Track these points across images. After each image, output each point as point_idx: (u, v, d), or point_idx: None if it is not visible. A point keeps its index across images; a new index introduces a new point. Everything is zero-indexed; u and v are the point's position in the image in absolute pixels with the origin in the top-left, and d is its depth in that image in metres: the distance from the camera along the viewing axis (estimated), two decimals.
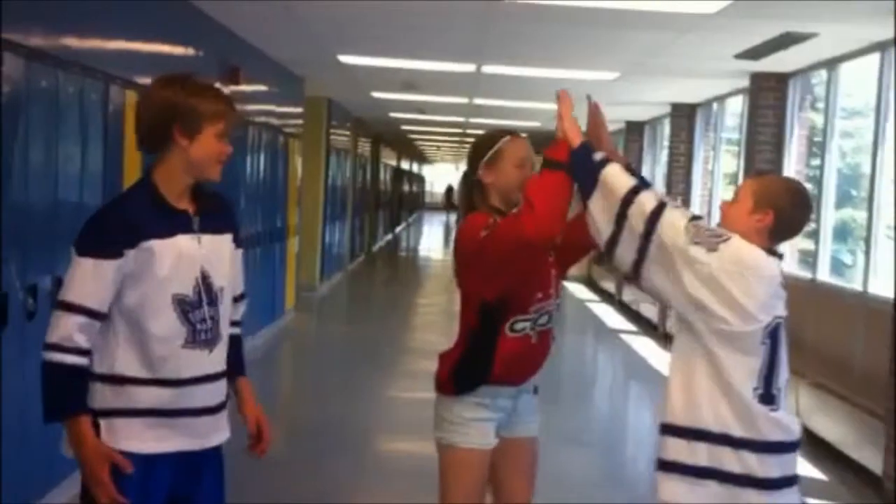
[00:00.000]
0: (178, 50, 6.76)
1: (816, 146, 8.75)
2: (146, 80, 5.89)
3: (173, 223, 2.64)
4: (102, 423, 2.61)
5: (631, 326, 13.09)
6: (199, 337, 2.66)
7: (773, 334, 2.78)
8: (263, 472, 5.56)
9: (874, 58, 7.24)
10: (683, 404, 2.79)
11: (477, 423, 3.16)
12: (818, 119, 8.77)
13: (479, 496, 3.23)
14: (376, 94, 13.06)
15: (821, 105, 8.66)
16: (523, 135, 3.34)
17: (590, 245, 3.07)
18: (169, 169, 2.66)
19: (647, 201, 2.80)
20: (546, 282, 3.19)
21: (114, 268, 2.57)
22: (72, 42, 4.93)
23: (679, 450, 2.78)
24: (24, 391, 4.44)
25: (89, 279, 2.57)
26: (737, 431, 2.73)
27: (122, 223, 2.60)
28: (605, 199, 2.85)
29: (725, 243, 2.74)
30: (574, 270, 18.27)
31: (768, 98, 8.98)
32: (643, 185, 2.87)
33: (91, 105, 5.11)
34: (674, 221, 2.76)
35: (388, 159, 28.25)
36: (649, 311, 12.82)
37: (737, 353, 2.73)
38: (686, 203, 12.06)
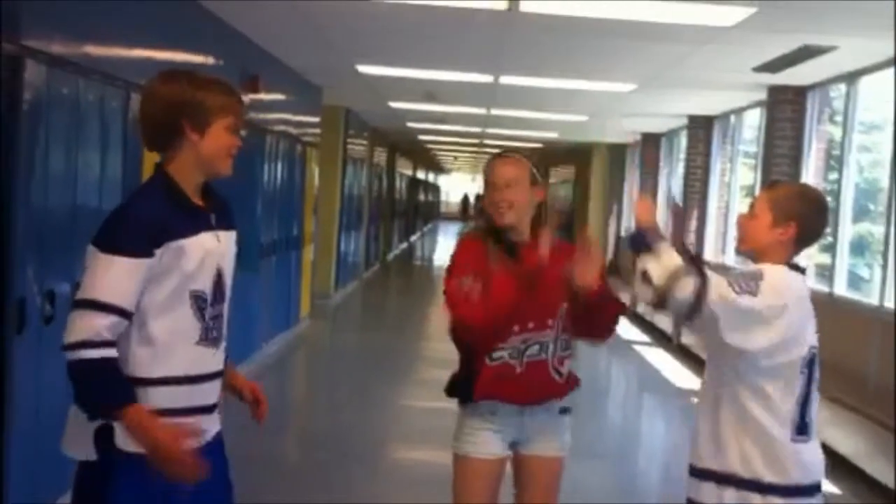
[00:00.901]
0: (199, 58, 6.80)
1: (834, 160, 8.72)
2: None
3: (197, 221, 2.63)
4: (117, 426, 2.56)
5: (645, 338, 13.05)
6: (210, 335, 2.65)
7: (809, 364, 2.80)
8: (277, 480, 5.58)
9: (893, 72, 7.22)
10: (712, 449, 2.83)
11: (484, 433, 3.23)
12: (836, 132, 8.75)
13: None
14: (393, 104, 13.10)
15: (839, 118, 8.64)
16: (514, 156, 3.36)
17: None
18: (181, 166, 2.63)
19: (692, 277, 2.73)
20: (526, 316, 3.17)
21: (145, 267, 2.51)
22: (93, 50, 4.98)
23: (708, 493, 2.83)
24: (39, 394, 4.48)
25: (122, 278, 2.50)
26: (766, 477, 2.76)
27: (152, 221, 2.54)
28: (659, 265, 2.77)
29: (762, 281, 2.72)
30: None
31: (786, 111, 8.96)
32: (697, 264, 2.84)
33: (111, 112, 5.14)
34: (719, 282, 2.72)
35: (405, 169, 28.29)
36: (663, 322, 12.79)
37: (780, 386, 2.76)
38: (702, 215, 12.05)
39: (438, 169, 41.63)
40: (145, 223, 2.54)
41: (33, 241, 4.35)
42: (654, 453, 7.56)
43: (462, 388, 3.26)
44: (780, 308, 2.70)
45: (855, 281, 8.35)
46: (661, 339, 12.64)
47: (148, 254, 2.52)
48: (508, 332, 3.18)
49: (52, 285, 4.50)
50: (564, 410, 3.35)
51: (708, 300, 2.66)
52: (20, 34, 4.16)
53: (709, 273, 2.72)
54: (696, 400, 2.95)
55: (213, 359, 2.69)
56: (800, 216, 2.85)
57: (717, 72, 8.50)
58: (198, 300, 2.61)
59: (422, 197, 36.25)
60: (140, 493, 2.57)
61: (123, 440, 2.55)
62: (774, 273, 2.76)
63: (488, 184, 3.28)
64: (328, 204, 13.39)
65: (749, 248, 2.94)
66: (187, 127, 2.60)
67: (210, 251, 2.63)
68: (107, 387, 2.54)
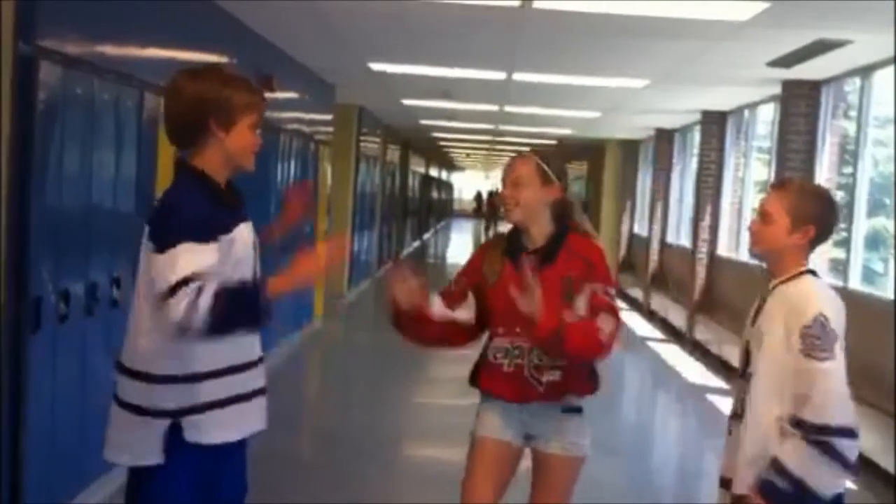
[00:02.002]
0: (213, 57, 6.81)
1: (849, 154, 8.68)
2: None
3: (235, 213, 2.69)
4: (184, 422, 2.61)
5: (659, 334, 13.04)
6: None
7: None
8: (292, 477, 5.59)
9: (894, 68, 7.18)
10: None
11: (494, 419, 3.31)
12: (850, 127, 8.70)
13: (479, 482, 3.30)
14: (406, 102, 13.10)
15: (853, 113, 8.59)
16: (526, 154, 3.40)
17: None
18: (208, 162, 2.67)
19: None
20: (513, 320, 3.17)
21: (214, 249, 2.55)
22: (107, 50, 4.99)
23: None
24: (54, 393, 4.51)
25: (195, 255, 2.50)
26: None
27: (202, 218, 2.56)
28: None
29: (833, 330, 2.75)
30: None
31: (800, 106, 8.92)
32: None
33: (126, 112, 5.16)
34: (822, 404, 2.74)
35: (417, 166, 28.29)
36: (677, 318, 12.77)
37: None
38: (715, 211, 12.01)
39: (451, 166, 41.60)
40: (197, 221, 2.56)
41: (48, 241, 4.38)
42: (668, 449, 7.55)
43: (473, 375, 3.37)
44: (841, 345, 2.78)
45: (869, 275, 8.31)
46: (674, 335, 12.62)
47: (213, 239, 2.56)
48: (496, 331, 3.29)
49: (66, 285, 4.53)
50: (569, 410, 3.32)
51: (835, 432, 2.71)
52: (35, 35, 4.17)
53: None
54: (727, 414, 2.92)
55: (257, 344, 2.77)
56: (817, 218, 2.87)
57: (731, 67, 8.47)
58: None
59: (435, 194, 36.25)
60: (197, 483, 2.65)
61: (191, 433, 2.61)
62: (832, 314, 2.78)
63: (502, 183, 3.35)
64: (341, 202, 13.39)
65: (765, 253, 2.95)
66: (214, 124, 2.63)
67: (247, 242, 2.72)
68: (238, 304, 2.54)
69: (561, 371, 3.23)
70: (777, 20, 6.23)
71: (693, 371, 10.34)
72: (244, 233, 2.71)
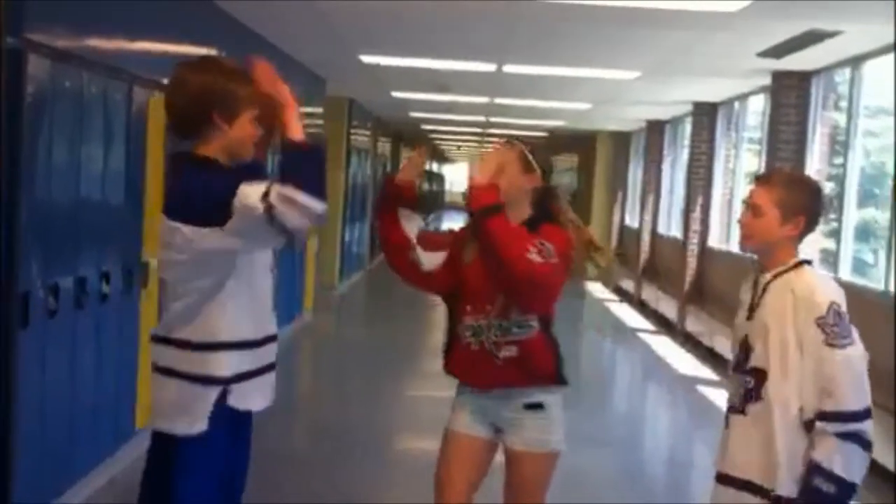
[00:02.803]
0: (201, 50, 6.78)
1: (839, 145, 8.69)
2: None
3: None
4: (234, 388, 2.73)
5: (650, 325, 13.06)
6: (274, 297, 2.86)
7: None
8: (285, 471, 5.59)
9: (894, 57, 7.18)
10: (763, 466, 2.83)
11: (464, 411, 3.36)
12: (840, 118, 8.71)
13: (453, 476, 3.34)
14: (397, 94, 13.08)
15: (843, 104, 8.60)
16: (509, 141, 3.43)
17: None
18: (211, 152, 2.74)
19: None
20: (480, 297, 3.25)
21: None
22: (96, 43, 4.97)
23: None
24: (43, 388, 4.49)
25: (253, 186, 2.57)
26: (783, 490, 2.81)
27: (233, 188, 2.59)
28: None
29: (847, 318, 2.78)
30: (593, 269, 18.09)
31: (791, 96, 8.92)
32: None
33: (115, 105, 5.14)
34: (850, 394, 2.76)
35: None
36: (668, 309, 12.79)
37: None
38: (706, 202, 12.02)
39: (442, 158, 41.58)
40: (232, 178, 2.62)
41: (37, 235, 4.36)
42: (659, 441, 7.56)
43: (445, 360, 3.40)
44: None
45: (860, 266, 8.33)
46: (665, 326, 12.64)
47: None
48: (462, 310, 3.31)
49: (55, 279, 4.51)
50: (531, 406, 3.29)
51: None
52: (23, 28, 4.15)
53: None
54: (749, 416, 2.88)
55: (271, 324, 2.87)
56: (807, 208, 2.88)
57: (722, 58, 8.47)
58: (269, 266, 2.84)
59: (426, 186, 36.22)
60: (227, 450, 2.79)
61: (236, 399, 2.74)
62: (841, 301, 2.80)
63: None
64: (332, 195, 13.36)
65: (757, 246, 2.94)
66: (217, 116, 2.69)
67: None
68: (297, 166, 2.64)
69: (517, 347, 3.23)
70: (767, 11, 6.23)
71: (684, 362, 10.36)
72: None
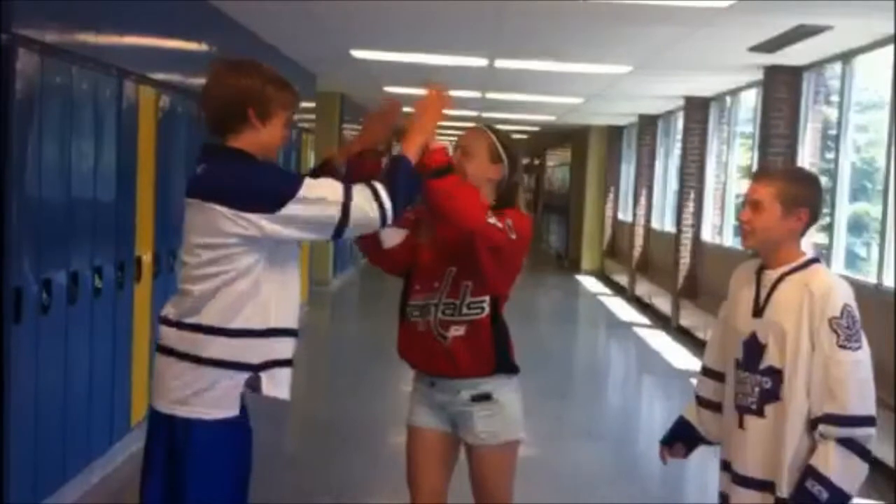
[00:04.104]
0: (191, 45, 6.78)
1: (831, 139, 8.71)
2: (159, 76, 5.91)
3: None
4: (264, 375, 2.77)
5: (644, 319, 13.07)
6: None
7: None
8: (278, 468, 5.58)
9: (889, 50, 7.20)
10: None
11: (418, 404, 3.35)
12: (831, 113, 8.73)
13: (422, 475, 3.34)
14: (389, 89, 13.06)
15: (835, 98, 8.62)
16: (480, 127, 3.42)
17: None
18: (242, 145, 2.81)
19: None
20: (428, 276, 3.24)
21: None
22: (86, 38, 4.95)
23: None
24: (37, 383, 4.48)
25: (319, 189, 2.74)
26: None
27: (285, 175, 2.84)
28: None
29: (859, 322, 2.77)
30: (587, 264, 18.11)
31: (782, 91, 8.94)
32: None
33: (105, 101, 5.13)
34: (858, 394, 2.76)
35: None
36: (662, 304, 12.81)
37: None
38: (699, 197, 12.03)
39: None
40: (285, 180, 2.79)
41: (29, 231, 4.35)
42: (654, 434, 7.55)
43: (397, 346, 3.39)
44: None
45: (853, 260, 8.35)
46: (660, 320, 12.66)
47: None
48: (412, 288, 3.28)
49: (48, 274, 4.50)
50: (479, 398, 3.23)
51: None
52: (12, 23, 4.13)
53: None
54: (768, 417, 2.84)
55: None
56: (808, 200, 2.83)
57: (714, 53, 8.48)
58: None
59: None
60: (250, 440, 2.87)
61: (269, 386, 2.79)
62: (853, 303, 2.78)
63: (453, 149, 3.34)
64: None
65: (760, 243, 2.88)
66: (252, 114, 2.79)
67: None
68: (397, 178, 2.85)
69: (465, 327, 3.17)
70: (758, 6, 6.24)
71: (678, 356, 10.38)
72: None
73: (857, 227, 8.55)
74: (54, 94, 4.57)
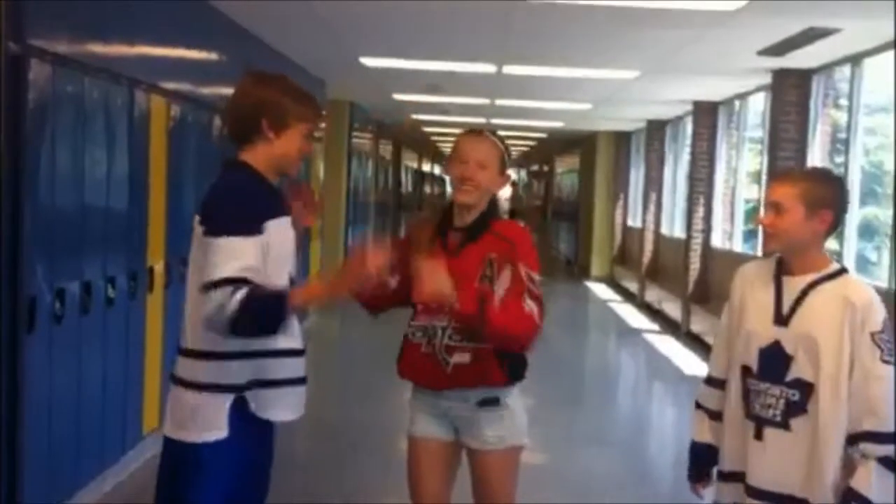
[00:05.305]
0: (202, 54, 6.80)
1: (839, 143, 8.70)
2: (170, 85, 5.94)
3: (279, 203, 2.85)
4: (248, 395, 2.76)
5: (654, 326, 13.05)
6: (300, 313, 2.91)
7: None
8: (288, 473, 5.59)
9: (894, 54, 7.19)
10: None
11: (420, 414, 3.32)
12: (840, 116, 8.72)
13: (424, 483, 3.32)
14: (398, 96, 13.09)
15: (844, 102, 8.61)
16: (491, 137, 3.29)
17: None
18: (256, 158, 2.82)
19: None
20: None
21: (258, 244, 2.69)
22: (97, 48, 4.98)
23: None
24: (51, 392, 4.50)
25: (240, 255, 2.65)
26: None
27: (256, 202, 2.74)
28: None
29: (889, 333, 2.69)
30: (596, 271, 18.10)
31: (791, 95, 8.93)
32: None
33: (116, 110, 5.15)
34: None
35: (410, 161, 28.26)
36: (672, 310, 12.79)
37: None
38: (708, 202, 12.01)
39: (444, 161, 41.58)
40: (245, 209, 2.71)
41: (43, 240, 4.37)
42: (665, 440, 7.56)
43: (397, 364, 3.35)
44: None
45: (863, 264, 8.34)
46: (670, 326, 12.64)
47: (258, 231, 2.70)
48: (416, 311, 3.25)
49: (62, 284, 4.52)
50: (485, 403, 3.19)
51: None
52: (25, 33, 4.16)
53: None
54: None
55: (301, 338, 2.93)
56: (832, 201, 2.72)
57: (723, 56, 8.48)
58: (292, 282, 2.85)
59: (428, 189, 36.26)
60: (248, 458, 2.84)
61: (257, 406, 2.78)
62: (882, 308, 2.70)
63: (459, 158, 3.22)
64: (335, 198, 13.39)
65: (784, 247, 2.77)
66: (266, 125, 2.79)
67: (290, 235, 2.87)
68: (264, 310, 2.68)
69: (471, 354, 3.14)
70: (767, 9, 6.24)
71: (688, 362, 10.36)
72: (288, 224, 2.85)
73: (867, 231, 8.53)
74: (66, 104, 4.59)
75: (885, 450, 2.64)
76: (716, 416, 2.96)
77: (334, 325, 12.27)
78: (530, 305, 3.05)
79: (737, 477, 2.85)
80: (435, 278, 2.96)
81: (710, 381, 3.02)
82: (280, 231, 2.79)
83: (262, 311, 2.66)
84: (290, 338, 2.84)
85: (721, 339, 3.01)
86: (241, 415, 2.77)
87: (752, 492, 2.79)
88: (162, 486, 2.85)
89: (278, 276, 2.77)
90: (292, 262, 2.89)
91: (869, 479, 2.63)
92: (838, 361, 2.66)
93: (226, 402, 2.75)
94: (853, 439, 2.67)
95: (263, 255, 2.70)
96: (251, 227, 2.68)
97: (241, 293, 2.60)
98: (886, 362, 2.64)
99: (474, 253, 3.16)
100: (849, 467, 2.69)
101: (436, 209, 3.46)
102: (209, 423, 2.75)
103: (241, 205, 2.72)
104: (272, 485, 3.12)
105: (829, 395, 2.67)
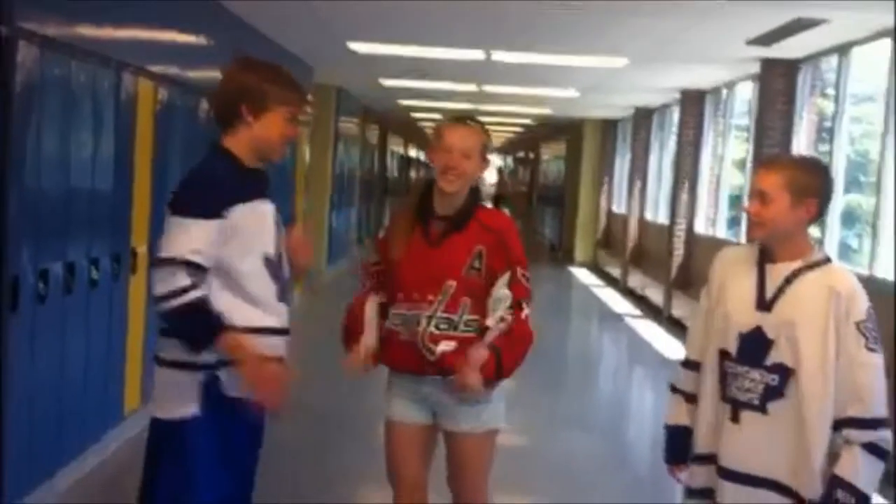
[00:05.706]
0: (190, 38, 6.79)
1: (825, 131, 8.75)
2: (158, 69, 5.93)
3: (258, 186, 2.89)
4: (220, 373, 2.79)
5: (636, 311, 13.12)
6: (285, 295, 2.94)
7: None
8: (271, 458, 5.61)
9: (885, 43, 7.23)
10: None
11: (398, 398, 3.35)
12: (826, 105, 8.77)
13: (402, 467, 3.35)
14: (385, 82, 13.07)
15: (830, 91, 8.65)
16: (474, 125, 3.30)
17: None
18: (236, 143, 2.86)
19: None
20: (412, 286, 3.21)
21: (216, 228, 2.73)
22: (85, 31, 4.97)
23: None
24: (33, 371, 4.51)
25: (192, 236, 2.71)
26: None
27: (220, 185, 2.78)
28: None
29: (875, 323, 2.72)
30: (580, 256, 18.15)
31: (778, 84, 8.96)
32: None
33: (103, 93, 5.15)
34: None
35: (396, 146, 28.22)
36: (655, 295, 12.86)
37: None
38: (693, 188, 12.07)
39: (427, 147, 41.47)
40: (214, 187, 2.77)
41: (27, 221, 4.37)
42: (645, 423, 7.62)
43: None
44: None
45: (845, 251, 8.40)
46: (652, 311, 12.71)
47: (217, 215, 2.73)
48: (395, 297, 3.25)
49: (45, 265, 4.53)
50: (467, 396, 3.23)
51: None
52: (13, 15, 4.16)
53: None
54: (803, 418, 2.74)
55: (286, 317, 2.97)
56: (818, 189, 2.73)
57: (711, 46, 8.50)
58: (268, 262, 2.87)
59: (414, 174, 36.21)
60: (222, 435, 2.84)
61: (229, 385, 2.80)
62: (866, 297, 2.73)
63: (443, 147, 3.23)
64: (320, 182, 13.39)
65: (768, 235, 2.78)
66: (245, 110, 2.83)
67: (266, 216, 2.89)
68: (200, 325, 2.74)
69: (457, 342, 3.18)
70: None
71: (670, 347, 10.43)
72: (264, 208, 2.88)
73: (849, 218, 8.60)
74: (54, 87, 4.59)
75: (869, 436, 2.68)
76: (692, 398, 2.97)
77: (318, 307, 12.28)
78: (527, 311, 3.20)
79: (710, 459, 2.87)
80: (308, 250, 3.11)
81: (686, 363, 3.02)
82: (250, 215, 2.82)
83: (196, 323, 2.73)
84: (269, 315, 2.88)
85: (698, 322, 3.02)
86: (214, 392, 2.81)
87: (725, 473, 2.81)
88: (146, 465, 2.90)
89: (242, 258, 2.80)
90: (272, 244, 2.90)
91: (854, 465, 2.66)
92: (822, 349, 2.69)
93: (198, 379, 2.79)
94: (837, 425, 2.70)
95: (225, 238, 2.75)
96: (210, 210, 2.73)
97: (193, 295, 2.69)
98: (871, 350, 2.67)
99: (460, 243, 3.19)
100: (833, 454, 2.72)
101: (413, 189, 3.45)
102: (183, 399, 2.80)
103: (204, 188, 2.78)
104: (258, 467, 3.14)
105: (813, 383, 2.69)
